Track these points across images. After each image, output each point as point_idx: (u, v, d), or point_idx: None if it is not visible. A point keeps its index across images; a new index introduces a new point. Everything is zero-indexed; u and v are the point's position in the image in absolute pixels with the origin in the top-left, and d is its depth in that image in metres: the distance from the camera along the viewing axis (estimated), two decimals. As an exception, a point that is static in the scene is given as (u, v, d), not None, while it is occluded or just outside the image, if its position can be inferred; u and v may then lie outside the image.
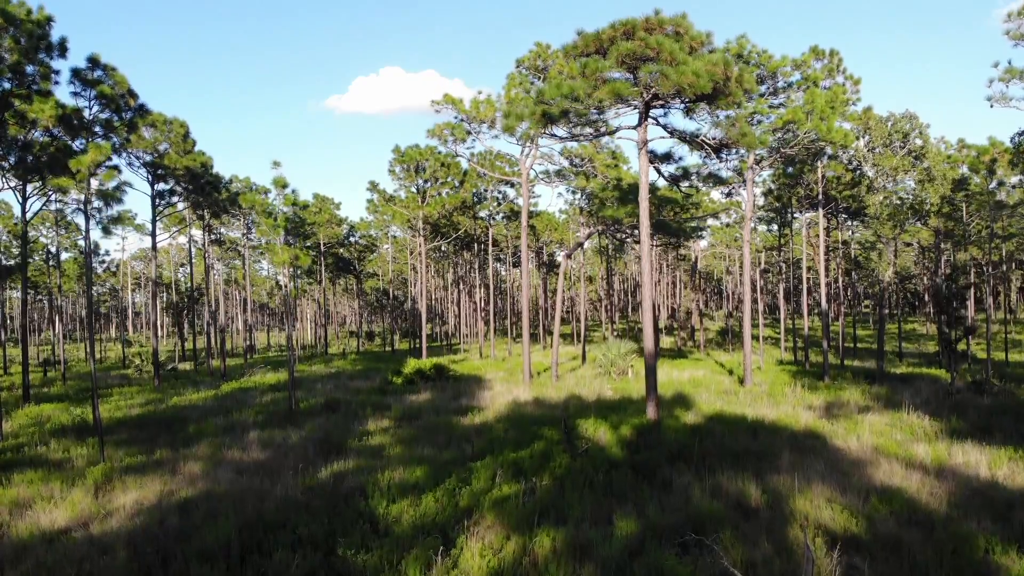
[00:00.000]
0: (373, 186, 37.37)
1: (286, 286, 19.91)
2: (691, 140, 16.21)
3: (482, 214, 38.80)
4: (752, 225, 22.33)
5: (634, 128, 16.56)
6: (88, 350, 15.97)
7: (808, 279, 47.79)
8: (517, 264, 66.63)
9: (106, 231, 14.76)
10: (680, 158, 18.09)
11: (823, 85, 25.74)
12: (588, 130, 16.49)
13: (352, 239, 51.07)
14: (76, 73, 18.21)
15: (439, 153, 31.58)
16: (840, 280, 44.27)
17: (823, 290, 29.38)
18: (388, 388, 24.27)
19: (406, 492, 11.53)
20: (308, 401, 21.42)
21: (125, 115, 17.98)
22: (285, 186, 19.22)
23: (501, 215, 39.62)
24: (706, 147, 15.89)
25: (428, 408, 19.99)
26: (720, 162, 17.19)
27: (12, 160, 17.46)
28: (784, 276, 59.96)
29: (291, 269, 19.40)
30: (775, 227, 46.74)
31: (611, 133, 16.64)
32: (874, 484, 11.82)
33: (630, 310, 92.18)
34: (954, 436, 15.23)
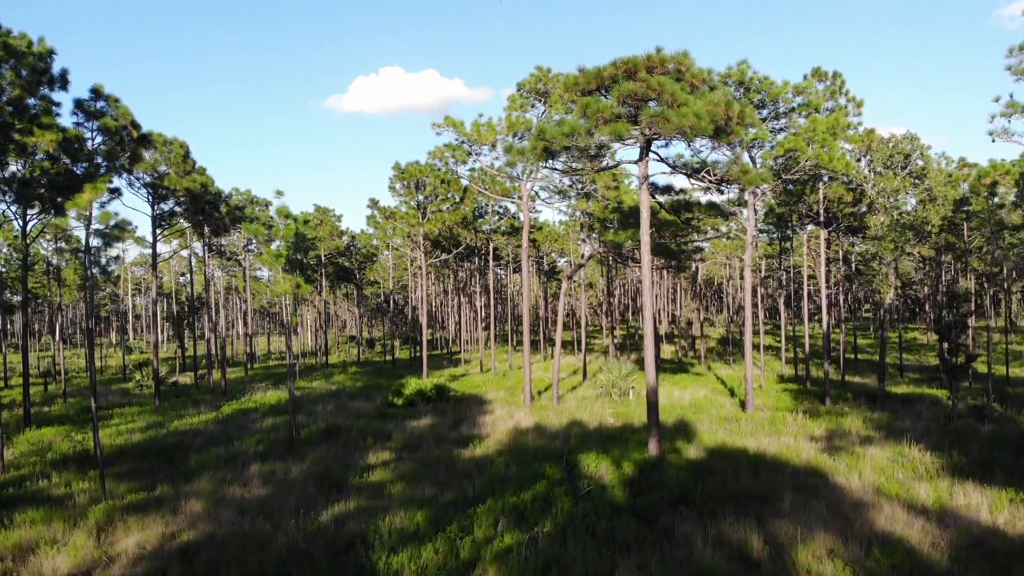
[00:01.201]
0: (374, 203, 37.38)
1: (287, 311, 19.90)
2: (693, 174, 16.20)
3: (483, 228, 38.81)
4: (753, 244, 22.27)
5: (635, 162, 16.55)
6: (90, 379, 15.91)
7: (809, 286, 47.76)
8: (518, 269, 66.64)
9: (104, 272, 14.73)
10: (681, 189, 18.06)
11: (825, 107, 25.73)
12: (589, 163, 16.48)
13: (353, 248, 51.08)
14: (79, 104, 18.26)
15: (439, 170, 31.59)
16: (840, 287, 44.24)
17: (824, 304, 29.37)
18: (389, 412, 24.27)
19: (407, 540, 11.53)
20: (309, 428, 21.42)
21: (128, 146, 17.97)
22: (288, 216, 19.23)
23: (502, 230, 39.62)
24: (708, 182, 15.89)
25: (429, 436, 19.98)
26: (721, 193, 17.19)
27: (12, 194, 17.43)
28: (784, 287, 59.80)
29: (292, 297, 19.39)
30: (776, 235, 46.73)
31: (612, 167, 16.62)
32: (876, 531, 11.82)
33: (630, 314, 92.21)
34: (955, 474, 15.23)
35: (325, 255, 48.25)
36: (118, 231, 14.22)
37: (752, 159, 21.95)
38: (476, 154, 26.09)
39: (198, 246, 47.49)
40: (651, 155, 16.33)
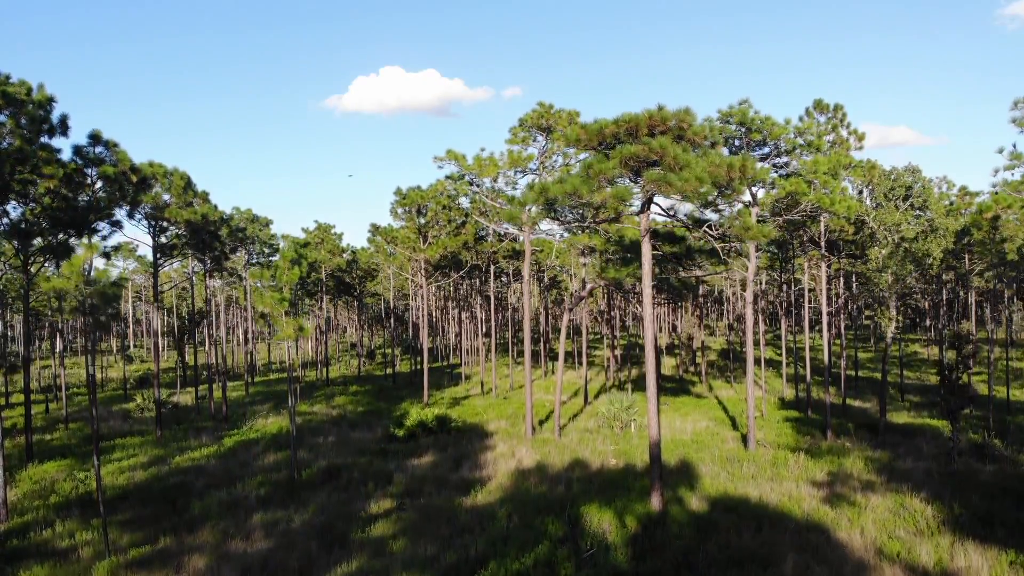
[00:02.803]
0: (375, 228, 37.41)
1: (289, 354, 19.91)
2: (695, 227, 16.21)
3: (485, 251, 38.82)
4: (753, 284, 22.24)
5: (637, 214, 16.57)
6: (93, 434, 15.83)
7: (809, 303, 47.70)
8: (518, 278, 66.59)
9: (105, 327, 14.75)
10: (682, 237, 18.09)
11: (827, 139, 25.74)
12: (592, 216, 16.50)
13: (354, 265, 51.09)
14: (78, 151, 18.27)
15: (440, 195, 31.57)
16: (841, 297, 44.16)
17: (825, 335, 29.39)
18: (390, 448, 24.29)
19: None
20: (310, 468, 21.45)
21: (128, 191, 17.99)
22: (294, 260, 19.28)
23: (504, 252, 39.65)
24: (710, 236, 15.90)
25: (430, 478, 20.01)
26: (724, 242, 17.20)
27: (14, 242, 17.45)
28: (784, 299, 59.70)
29: (295, 341, 19.40)
30: (777, 254, 46.71)
31: (615, 220, 16.64)
32: (877, 603, 11.86)
33: (631, 320, 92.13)
34: (956, 529, 15.26)
35: (326, 272, 48.29)
36: (116, 288, 14.22)
37: (753, 196, 21.96)
38: (478, 185, 26.12)
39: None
40: (653, 207, 16.35)
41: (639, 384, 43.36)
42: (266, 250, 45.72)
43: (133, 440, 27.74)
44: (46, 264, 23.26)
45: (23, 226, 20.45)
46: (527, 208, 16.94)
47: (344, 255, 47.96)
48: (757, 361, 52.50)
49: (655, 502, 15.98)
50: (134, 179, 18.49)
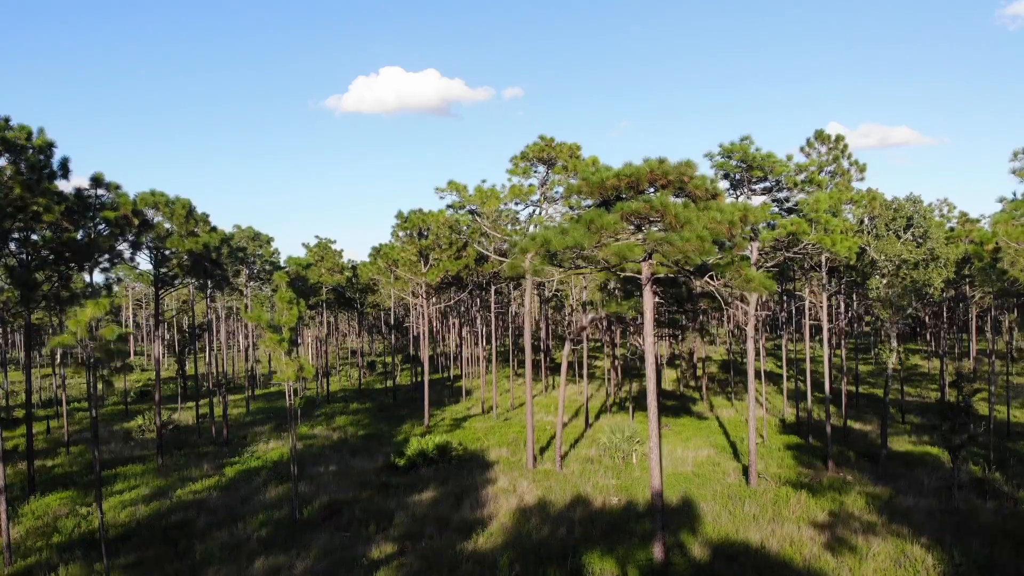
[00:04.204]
0: (377, 251, 37.48)
1: (289, 397, 19.96)
2: (696, 275, 16.24)
3: (487, 272, 38.85)
4: (752, 320, 22.28)
5: (639, 262, 16.59)
6: (95, 475, 15.84)
7: (810, 313, 47.72)
8: (518, 287, 66.61)
9: (111, 378, 14.80)
10: (683, 281, 18.10)
11: (828, 170, 25.77)
12: (595, 265, 16.53)
13: (354, 280, 51.09)
14: (79, 195, 18.25)
15: (442, 226, 31.63)
16: (842, 319, 44.15)
17: (827, 370, 29.45)
18: (391, 481, 24.32)
19: None
20: (311, 505, 21.49)
21: (129, 234, 18.02)
22: (292, 301, 19.29)
23: (505, 275, 39.70)
24: (712, 286, 15.93)
25: (431, 518, 20.03)
26: (726, 288, 17.22)
27: (15, 289, 17.47)
28: (784, 315, 59.60)
29: (295, 381, 19.44)
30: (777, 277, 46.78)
31: (617, 268, 16.67)
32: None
33: (631, 329, 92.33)
34: (958, 581, 15.30)
35: (327, 289, 48.33)
36: (120, 343, 14.25)
37: (754, 232, 22.01)
38: (480, 215, 26.19)
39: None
40: (655, 254, 16.36)
41: (640, 402, 43.40)
42: (268, 267, 45.71)
43: (135, 468, 27.76)
44: (48, 294, 23.26)
45: (24, 256, 20.46)
46: (528, 256, 16.96)
47: (344, 272, 47.99)
48: (757, 374, 52.48)
49: (657, 552, 16.00)
50: (136, 222, 18.55)
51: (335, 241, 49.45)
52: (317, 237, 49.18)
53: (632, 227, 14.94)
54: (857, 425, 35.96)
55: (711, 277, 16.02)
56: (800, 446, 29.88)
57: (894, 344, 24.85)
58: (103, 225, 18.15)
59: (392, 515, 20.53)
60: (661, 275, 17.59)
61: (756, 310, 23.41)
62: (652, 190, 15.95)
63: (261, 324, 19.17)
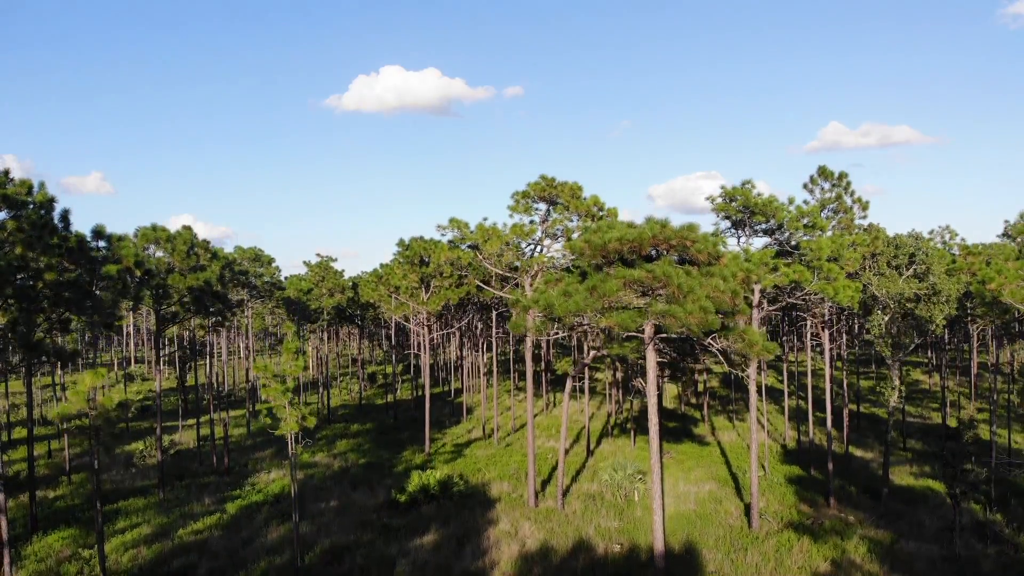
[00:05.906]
0: (378, 278, 37.47)
1: (291, 447, 19.90)
2: (698, 339, 16.21)
3: (487, 298, 38.81)
4: (754, 377, 22.32)
5: (642, 322, 16.56)
6: (97, 529, 15.82)
7: (811, 326, 47.72)
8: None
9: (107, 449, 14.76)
10: (687, 338, 18.09)
11: (830, 208, 25.73)
12: (597, 324, 16.52)
13: (355, 299, 51.05)
14: (81, 246, 18.22)
15: (441, 256, 31.62)
16: (843, 344, 44.14)
17: (827, 386, 29.42)
18: (392, 523, 24.32)
19: None
20: (312, 551, 21.49)
21: (131, 288, 17.98)
22: (296, 350, 19.31)
23: (507, 300, 39.71)
24: (714, 350, 15.93)
25: (432, 567, 20.03)
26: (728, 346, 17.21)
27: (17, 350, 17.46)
28: (784, 327, 59.59)
29: (297, 433, 19.42)
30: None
31: (620, 328, 16.65)
32: None
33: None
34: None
35: (327, 310, 48.30)
36: (122, 409, 14.22)
37: (756, 279, 21.98)
38: (481, 252, 26.20)
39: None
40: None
41: (641, 424, 43.39)
42: (269, 286, 45.64)
43: (137, 503, 27.75)
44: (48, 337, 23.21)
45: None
46: (531, 314, 16.94)
47: (345, 292, 47.94)
48: (759, 390, 52.46)
49: (659, 613, 15.99)
50: (138, 274, 18.54)
51: (335, 259, 49.44)
52: (319, 255, 49.20)
53: (635, 293, 14.92)
54: (859, 452, 35.96)
55: (714, 339, 16.01)
56: (802, 479, 29.86)
57: (896, 383, 24.81)
58: (104, 283, 18.14)
59: (394, 562, 20.53)
60: (664, 335, 17.59)
61: (755, 374, 23.38)
62: (654, 252, 15.94)
63: (267, 375, 19.15)
